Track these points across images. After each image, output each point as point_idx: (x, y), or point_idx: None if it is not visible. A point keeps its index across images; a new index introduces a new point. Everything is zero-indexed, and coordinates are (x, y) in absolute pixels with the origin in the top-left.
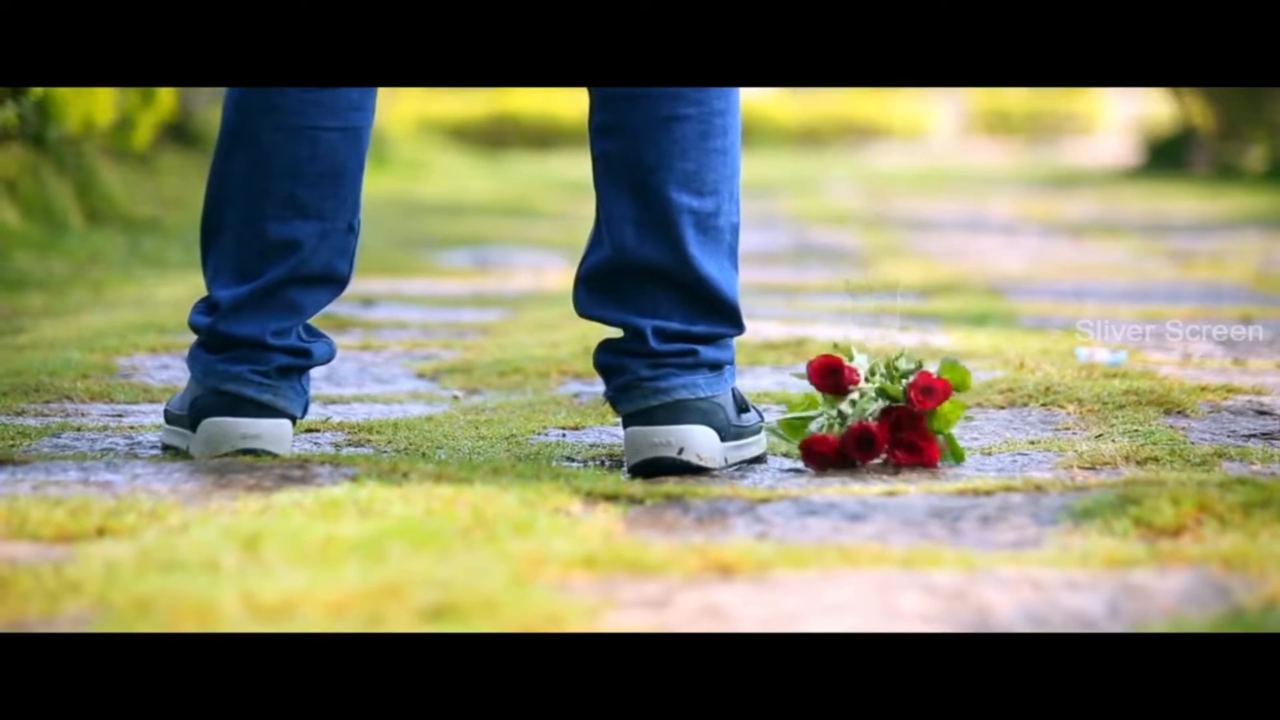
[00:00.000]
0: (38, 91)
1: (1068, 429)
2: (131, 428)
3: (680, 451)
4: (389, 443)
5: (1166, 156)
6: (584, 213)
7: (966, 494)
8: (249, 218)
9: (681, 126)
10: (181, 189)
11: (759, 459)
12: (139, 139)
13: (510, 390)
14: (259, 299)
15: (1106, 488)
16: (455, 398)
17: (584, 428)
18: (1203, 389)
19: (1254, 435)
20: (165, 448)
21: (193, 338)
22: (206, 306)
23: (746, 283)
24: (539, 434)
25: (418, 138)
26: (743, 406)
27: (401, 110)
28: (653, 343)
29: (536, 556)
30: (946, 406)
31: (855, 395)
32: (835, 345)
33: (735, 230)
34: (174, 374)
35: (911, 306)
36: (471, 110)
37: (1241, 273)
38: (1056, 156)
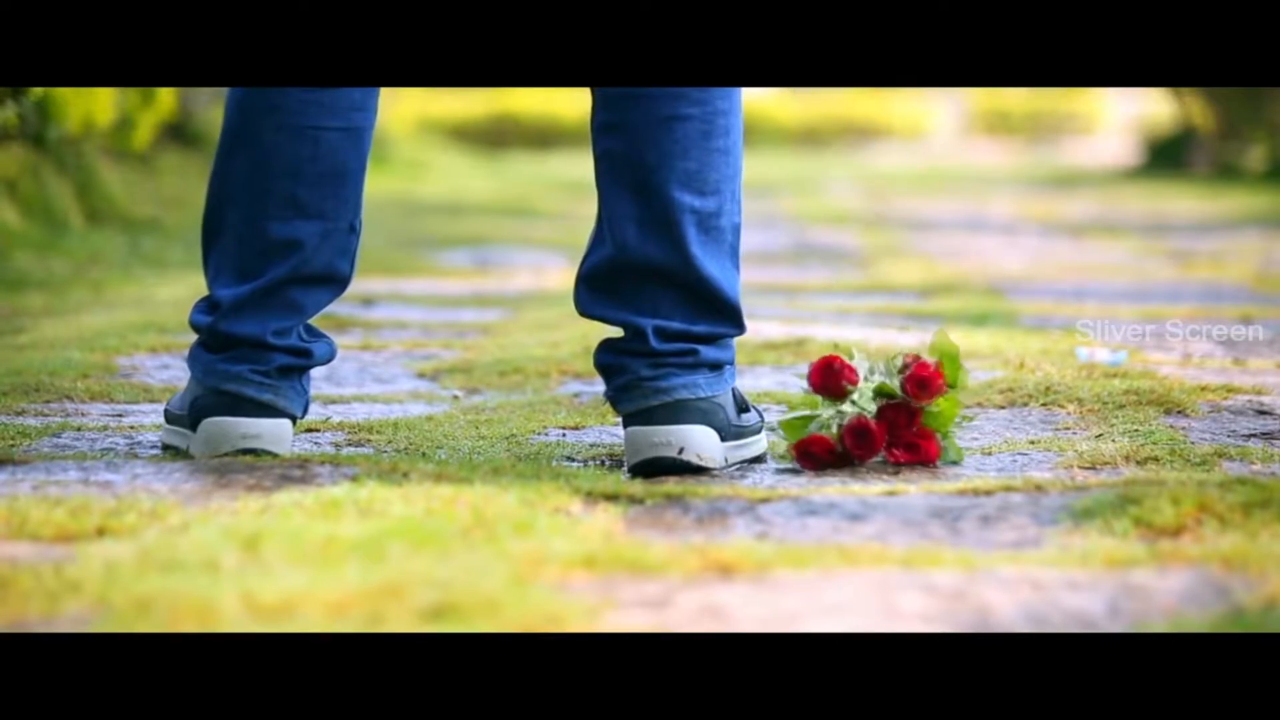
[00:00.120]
0: (38, 91)
1: (1068, 429)
2: (131, 427)
3: (680, 451)
4: (389, 443)
5: (1166, 156)
6: (584, 213)
7: (966, 494)
8: (250, 217)
9: (684, 126)
10: (181, 189)
11: (759, 459)
12: (139, 139)
13: (510, 390)
14: (260, 298)
15: (1106, 488)
16: (455, 397)
17: (584, 428)
18: (1203, 389)
19: (1254, 435)
20: (165, 447)
21: (193, 337)
22: (207, 306)
23: (747, 283)
24: (539, 434)
25: (418, 138)
26: (743, 406)
27: (401, 110)
28: (653, 342)
29: (536, 556)
30: (944, 405)
31: (855, 395)
32: (835, 345)
33: (737, 230)
34: (174, 374)
35: (911, 306)
36: (471, 110)
37: (1241, 273)
38: (1056, 156)
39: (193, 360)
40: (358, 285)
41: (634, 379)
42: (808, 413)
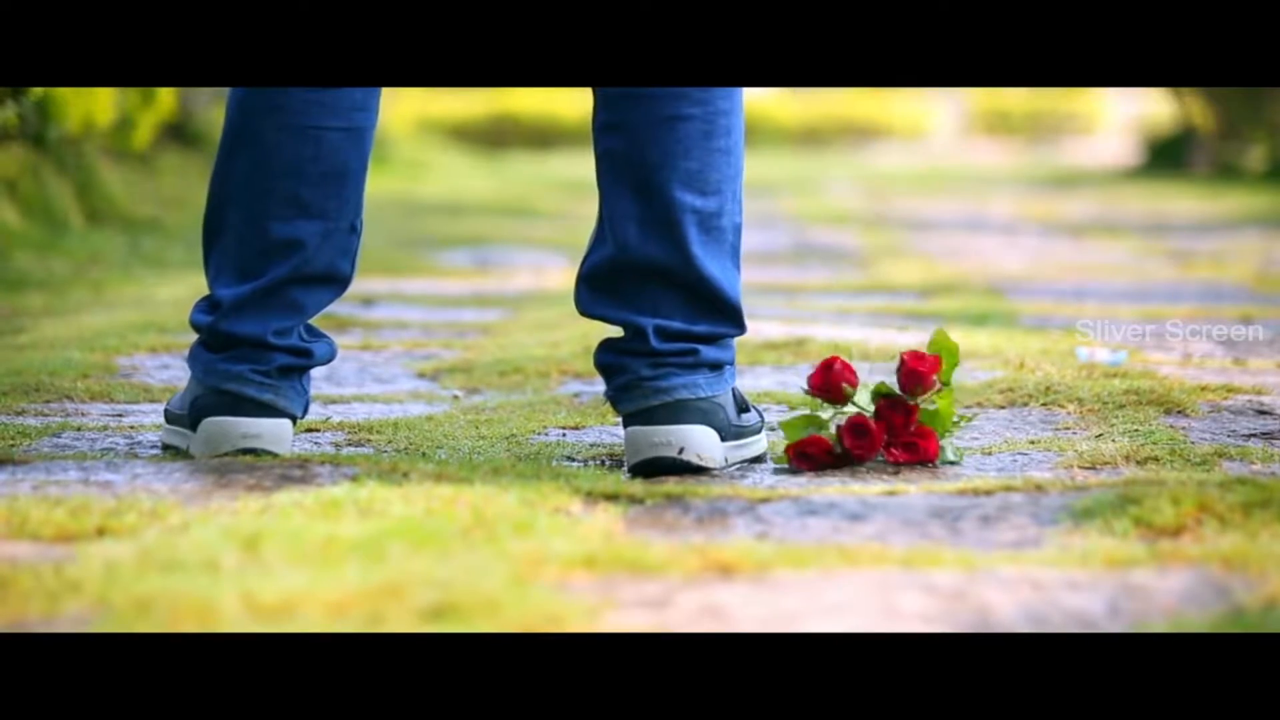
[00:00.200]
0: (38, 91)
1: (1068, 429)
2: (131, 427)
3: (680, 451)
4: (389, 442)
5: (1166, 156)
6: (584, 212)
7: (966, 494)
8: (251, 217)
9: (685, 126)
10: (182, 189)
11: (759, 459)
12: (139, 139)
13: (510, 390)
14: (261, 298)
15: (1106, 487)
16: (455, 397)
17: (584, 427)
18: (1203, 389)
19: (1254, 435)
20: (165, 447)
21: (193, 337)
22: (208, 305)
23: (747, 283)
24: (539, 434)
25: (418, 138)
26: (743, 406)
27: (401, 110)
28: (654, 342)
29: (536, 556)
30: (942, 404)
31: (856, 397)
32: (836, 346)
33: (738, 230)
34: (174, 374)
35: (911, 306)
36: (471, 110)
37: (1241, 273)
38: (1056, 156)
39: (193, 360)
40: (358, 285)
41: (634, 379)
42: (808, 413)
